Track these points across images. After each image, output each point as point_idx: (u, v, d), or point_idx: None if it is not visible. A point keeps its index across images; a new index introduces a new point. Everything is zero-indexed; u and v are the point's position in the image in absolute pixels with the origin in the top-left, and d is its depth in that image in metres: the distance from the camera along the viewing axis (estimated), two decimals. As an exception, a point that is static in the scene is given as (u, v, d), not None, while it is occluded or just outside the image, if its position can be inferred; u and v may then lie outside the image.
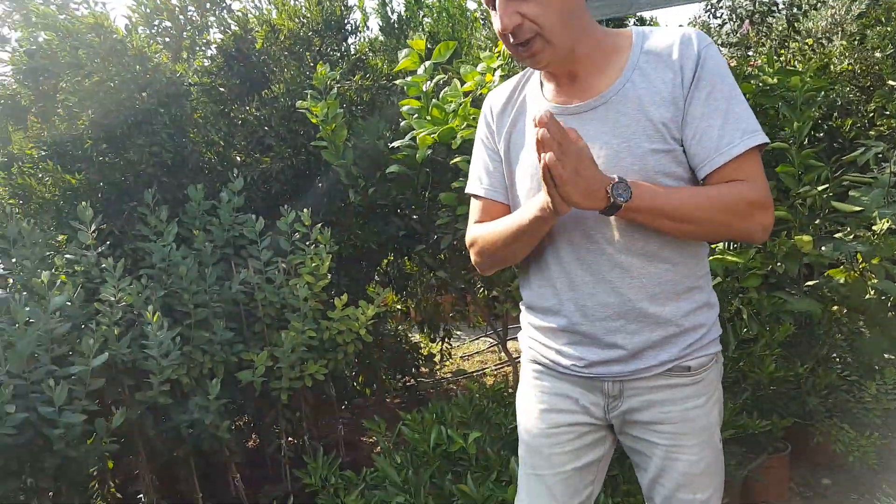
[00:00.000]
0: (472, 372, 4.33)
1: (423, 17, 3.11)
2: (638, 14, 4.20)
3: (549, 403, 1.32)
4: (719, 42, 3.10)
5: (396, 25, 3.12)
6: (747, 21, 2.96)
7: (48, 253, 2.26)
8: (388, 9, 3.12)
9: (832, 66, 3.64)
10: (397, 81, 2.57)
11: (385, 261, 3.36)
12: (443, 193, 2.42)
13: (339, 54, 3.07)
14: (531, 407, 1.35)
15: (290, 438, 2.61)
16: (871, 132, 3.32)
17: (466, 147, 2.24)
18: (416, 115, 2.44)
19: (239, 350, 2.32)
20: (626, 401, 1.25)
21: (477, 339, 5.19)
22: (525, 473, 1.37)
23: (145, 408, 2.09)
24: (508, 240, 1.26)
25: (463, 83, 2.47)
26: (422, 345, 3.80)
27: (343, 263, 2.90)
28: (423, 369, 3.64)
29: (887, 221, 2.53)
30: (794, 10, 3.03)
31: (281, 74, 2.88)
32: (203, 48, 3.03)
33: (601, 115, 1.18)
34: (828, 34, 3.74)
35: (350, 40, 3.12)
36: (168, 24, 2.91)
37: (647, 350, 1.21)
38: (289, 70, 2.87)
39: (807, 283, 2.79)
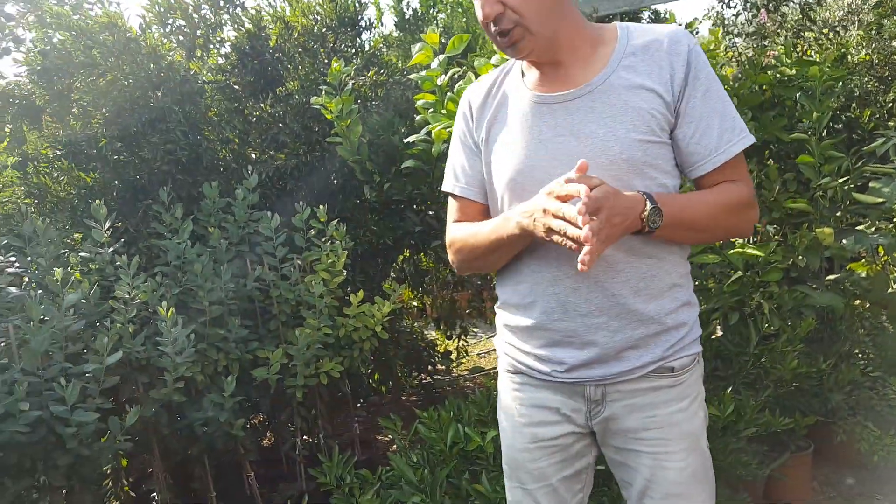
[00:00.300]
0: (489, 369, 4.22)
1: (438, 12, 3.02)
2: (652, 7, 4.09)
3: (531, 417, 1.25)
4: (734, 32, 2.98)
5: (411, 21, 3.03)
6: (763, 10, 2.84)
7: (63, 251, 2.20)
8: (403, 4, 3.02)
9: (849, 57, 3.50)
10: (411, 76, 2.49)
11: (401, 257, 3.27)
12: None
13: (353, 50, 2.99)
14: (512, 421, 1.29)
15: (304, 437, 2.53)
16: (891, 122, 3.19)
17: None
18: (431, 110, 2.35)
19: (254, 348, 2.25)
20: (609, 405, 1.19)
21: (494, 335, 5.08)
22: (512, 487, 1.31)
23: (159, 406, 2.02)
24: (487, 251, 1.21)
25: (477, 76, 2.37)
26: (438, 342, 3.70)
27: (358, 260, 2.82)
28: (439, 367, 3.55)
29: (909, 213, 2.41)
30: (809, -1, 2.91)
31: (295, 71, 2.80)
32: (217, 46, 2.96)
33: (587, 103, 1.14)
34: (844, 23, 3.60)
35: (364, 36, 3.04)
36: (182, 22, 2.85)
37: (628, 350, 1.16)
38: (303, 67, 2.80)
39: (828, 277, 2.67)
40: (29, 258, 2.12)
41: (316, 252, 2.37)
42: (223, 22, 2.90)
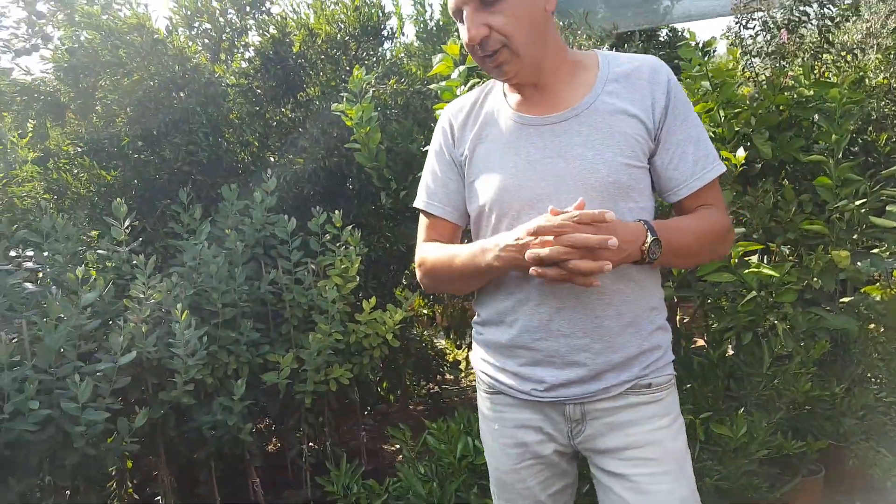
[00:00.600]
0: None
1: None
2: (670, 25, 4.02)
3: (514, 437, 1.22)
4: (753, 52, 2.90)
5: (433, 32, 2.97)
6: (784, 31, 2.76)
7: (80, 248, 2.14)
8: (425, 16, 2.97)
9: (867, 80, 3.41)
10: (431, 86, 2.43)
11: (413, 264, 3.20)
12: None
13: (374, 59, 2.94)
14: (497, 443, 1.26)
15: (311, 443, 2.46)
16: (908, 147, 3.10)
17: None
18: (449, 119, 2.28)
19: (265, 351, 2.18)
20: (589, 424, 1.17)
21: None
22: None
23: (168, 407, 1.95)
24: (460, 277, 1.20)
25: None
26: (447, 351, 3.62)
27: (371, 266, 2.76)
28: (448, 376, 3.45)
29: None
30: (827, 21, 2.83)
31: (317, 77, 2.75)
32: (242, 50, 2.92)
33: (573, 126, 1.14)
34: (862, 46, 3.51)
35: (386, 45, 2.98)
36: (208, 25, 2.80)
37: (607, 371, 1.14)
38: (324, 73, 2.75)
39: (842, 300, 2.58)
40: (46, 253, 2.06)
41: (330, 257, 2.30)
42: (248, 27, 2.86)
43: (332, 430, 2.39)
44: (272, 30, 2.83)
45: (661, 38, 4.63)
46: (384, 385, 3.22)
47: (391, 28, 2.99)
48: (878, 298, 2.57)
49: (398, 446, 2.19)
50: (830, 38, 3.00)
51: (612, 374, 1.14)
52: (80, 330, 1.80)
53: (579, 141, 1.12)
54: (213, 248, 2.20)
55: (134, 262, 2.02)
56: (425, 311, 3.47)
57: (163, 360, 1.94)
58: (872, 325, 2.63)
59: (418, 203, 1.30)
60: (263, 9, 2.88)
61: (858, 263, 2.47)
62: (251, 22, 2.88)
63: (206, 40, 2.84)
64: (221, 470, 2.19)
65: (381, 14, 2.93)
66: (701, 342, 2.76)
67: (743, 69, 2.99)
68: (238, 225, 2.36)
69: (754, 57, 3.03)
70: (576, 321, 1.12)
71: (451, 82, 2.32)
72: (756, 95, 2.68)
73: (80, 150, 2.41)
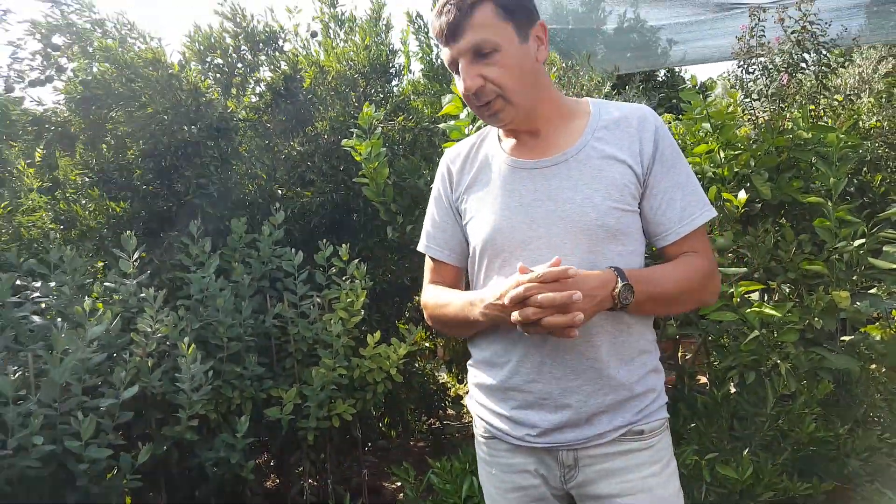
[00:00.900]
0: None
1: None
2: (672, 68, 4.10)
3: (512, 482, 1.22)
4: (753, 95, 2.95)
5: (438, 71, 3.00)
6: (784, 74, 2.81)
7: (87, 280, 2.11)
8: (431, 55, 3.01)
9: (861, 123, 3.47)
10: (440, 126, 2.45)
11: (417, 297, 3.17)
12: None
13: (382, 96, 2.96)
14: (495, 488, 1.27)
15: (311, 480, 2.39)
16: (902, 188, 3.12)
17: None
18: (457, 157, 2.29)
19: (268, 386, 2.14)
20: (582, 471, 1.17)
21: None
22: None
23: (171, 443, 1.91)
24: (454, 326, 1.24)
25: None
26: (449, 385, 3.56)
27: (375, 299, 2.73)
28: (449, 411, 3.39)
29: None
30: (824, 67, 2.90)
31: (325, 113, 2.76)
32: (253, 85, 2.94)
33: (563, 171, 1.16)
34: (856, 91, 3.57)
35: (394, 83, 3.01)
36: (219, 60, 2.82)
37: (600, 415, 1.15)
38: (333, 109, 2.76)
39: (842, 339, 2.57)
40: (52, 284, 2.03)
41: (336, 290, 2.28)
42: (260, 62, 2.88)
43: (333, 467, 2.33)
44: (283, 66, 2.85)
45: (660, 79, 4.72)
46: (386, 420, 3.16)
47: (399, 65, 3.02)
48: (878, 338, 2.56)
49: (399, 483, 2.14)
50: (826, 83, 3.05)
51: (605, 418, 1.14)
52: (86, 363, 1.76)
53: (569, 185, 1.15)
54: (220, 280, 2.17)
55: (142, 294, 1.99)
56: (427, 345, 3.43)
57: (167, 394, 1.90)
58: (874, 366, 2.61)
59: (420, 247, 1.36)
60: (275, 46, 2.91)
61: (858, 304, 2.47)
62: (263, 58, 2.90)
63: (219, 75, 2.86)
64: (221, 507, 2.13)
65: (389, 52, 2.96)
66: (703, 379, 2.73)
67: (743, 111, 3.03)
68: (245, 258, 2.34)
69: (755, 100, 3.08)
70: (568, 362, 1.13)
71: (460, 122, 2.33)
72: (756, 137, 2.71)
73: (88, 180, 2.40)
